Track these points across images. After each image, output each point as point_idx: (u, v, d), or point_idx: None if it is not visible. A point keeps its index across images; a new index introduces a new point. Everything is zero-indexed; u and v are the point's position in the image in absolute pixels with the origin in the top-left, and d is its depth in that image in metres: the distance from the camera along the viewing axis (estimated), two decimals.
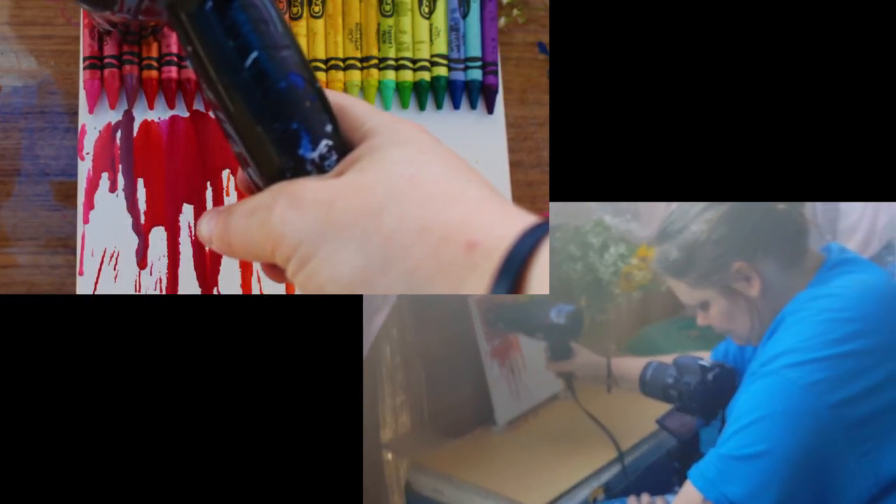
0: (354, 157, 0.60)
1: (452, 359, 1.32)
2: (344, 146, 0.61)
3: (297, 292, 0.59)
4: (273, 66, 0.60)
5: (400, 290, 0.54)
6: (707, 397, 1.07)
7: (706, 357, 1.15)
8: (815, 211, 1.62)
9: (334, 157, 0.60)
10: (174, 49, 0.90)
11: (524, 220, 0.54)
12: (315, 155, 0.60)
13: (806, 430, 0.86)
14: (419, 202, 0.55)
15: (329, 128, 0.61)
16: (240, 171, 0.67)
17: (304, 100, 0.61)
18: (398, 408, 1.36)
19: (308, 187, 0.58)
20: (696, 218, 0.97)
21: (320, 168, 0.60)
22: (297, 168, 0.60)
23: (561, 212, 1.52)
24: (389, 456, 1.35)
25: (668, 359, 1.16)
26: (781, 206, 0.95)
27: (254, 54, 0.60)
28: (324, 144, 0.60)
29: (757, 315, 0.98)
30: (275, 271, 0.65)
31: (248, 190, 0.66)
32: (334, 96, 0.64)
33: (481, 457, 1.26)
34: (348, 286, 0.55)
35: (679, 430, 1.11)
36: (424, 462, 1.26)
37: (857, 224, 1.64)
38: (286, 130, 0.60)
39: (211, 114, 0.64)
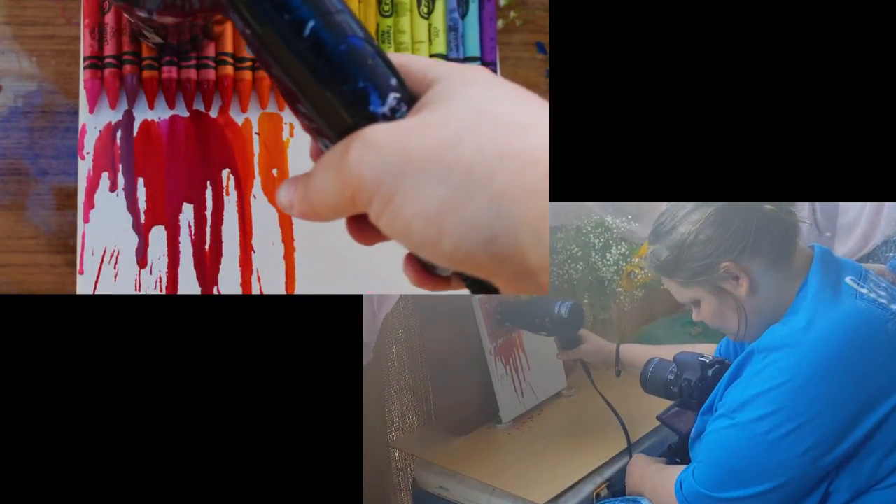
0: (423, 102, 0.60)
1: (457, 358, 1.33)
2: (411, 98, 0.62)
3: (385, 234, 0.60)
4: (330, 32, 0.61)
5: (488, 216, 0.54)
6: (707, 393, 1.07)
7: (709, 352, 1.15)
8: (814, 208, 1.62)
9: (404, 108, 0.61)
10: None
11: None
12: (385, 109, 0.60)
13: (780, 476, 0.89)
14: (494, 131, 0.56)
15: (394, 81, 0.62)
16: (312, 144, 0.67)
17: (365, 58, 0.61)
18: (405, 407, 1.37)
19: (380, 129, 0.58)
20: (684, 219, 0.98)
21: (392, 121, 0.61)
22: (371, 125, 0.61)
23: (562, 213, 1.52)
24: (396, 454, 1.36)
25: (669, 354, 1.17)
26: (768, 206, 0.96)
27: (310, 24, 0.61)
28: (392, 97, 0.61)
29: (744, 315, 0.99)
30: (360, 230, 0.65)
31: None
32: (392, 56, 0.64)
33: (487, 454, 1.27)
34: (435, 219, 0.55)
35: (680, 427, 1.11)
36: (431, 459, 1.27)
37: (857, 220, 1.64)
38: (354, 91, 0.60)
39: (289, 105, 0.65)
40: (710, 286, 0.99)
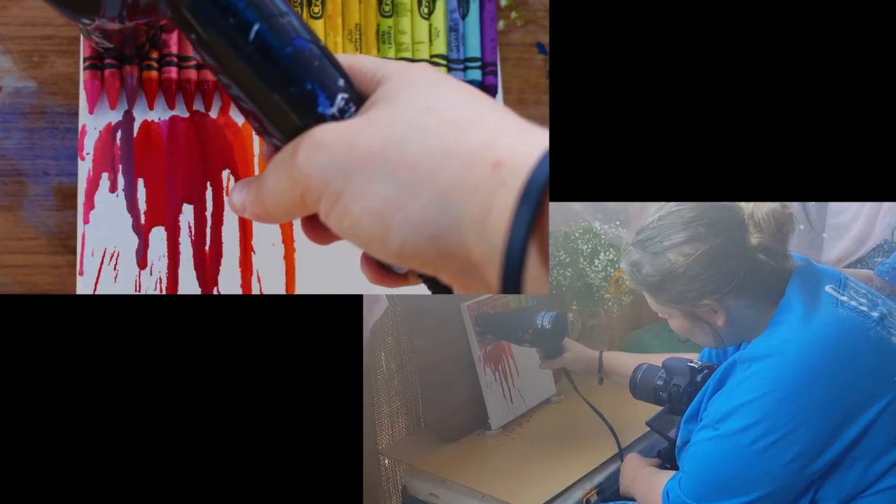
0: (370, 102, 0.61)
1: (446, 365, 1.33)
2: (359, 98, 0.63)
3: (335, 232, 0.61)
4: (275, 35, 0.62)
5: (432, 213, 0.55)
6: None
7: (695, 358, 1.16)
8: (807, 209, 1.63)
9: (353, 108, 0.62)
10: (174, 49, 0.90)
11: (545, 137, 0.56)
12: (334, 110, 0.62)
13: (765, 486, 0.90)
14: (440, 129, 0.57)
15: (342, 82, 0.63)
16: (264, 146, 0.68)
17: (312, 60, 0.62)
18: (394, 414, 1.37)
19: (327, 129, 0.60)
20: (675, 248, 0.96)
21: (340, 121, 0.62)
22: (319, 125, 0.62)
23: (550, 218, 1.52)
24: (386, 461, 1.36)
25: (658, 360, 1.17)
26: (762, 256, 0.95)
27: (255, 27, 0.62)
28: (340, 98, 0.62)
29: (716, 337, 1.01)
30: (314, 229, 0.66)
31: None
32: (341, 57, 0.65)
33: (476, 461, 1.27)
34: (381, 216, 0.56)
35: (670, 432, 1.11)
36: (420, 467, 1.26)
37: (852, 222, 1.64)
38: (302, 93, 0.62)
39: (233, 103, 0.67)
40: (686, 312, 1.00)
